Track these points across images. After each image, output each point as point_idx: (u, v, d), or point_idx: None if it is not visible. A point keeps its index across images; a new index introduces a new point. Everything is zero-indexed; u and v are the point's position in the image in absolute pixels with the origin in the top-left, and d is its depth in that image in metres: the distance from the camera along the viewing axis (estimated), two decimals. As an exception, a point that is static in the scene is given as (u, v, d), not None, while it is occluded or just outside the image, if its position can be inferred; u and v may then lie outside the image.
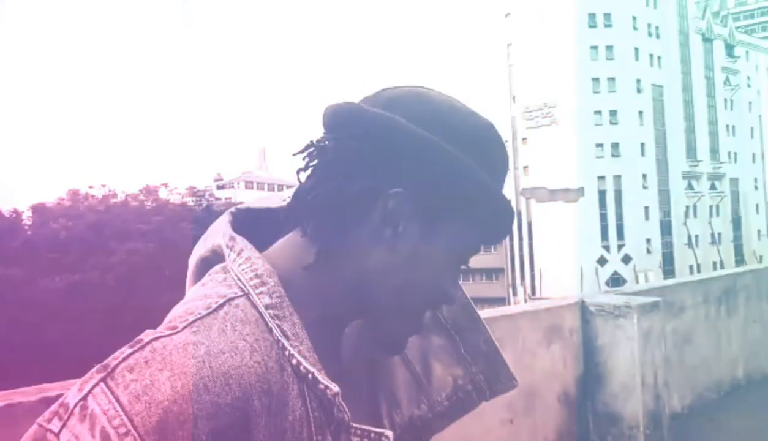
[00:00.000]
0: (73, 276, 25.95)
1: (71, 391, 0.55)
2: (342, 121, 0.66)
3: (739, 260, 55.09)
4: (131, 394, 0.52)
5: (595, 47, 51.99)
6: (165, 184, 36.37)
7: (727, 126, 61.53)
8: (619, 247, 51.17)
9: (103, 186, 35.08)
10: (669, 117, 55.01)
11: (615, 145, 51.69)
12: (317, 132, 0.69)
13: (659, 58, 55.01)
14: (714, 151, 59.80)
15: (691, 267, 51.54)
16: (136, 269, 26.43)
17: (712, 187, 59.25)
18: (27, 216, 30.90)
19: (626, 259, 50.37)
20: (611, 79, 51.89)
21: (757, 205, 63.57)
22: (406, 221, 0.65)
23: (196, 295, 0.61)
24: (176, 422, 0.51)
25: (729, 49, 62.59)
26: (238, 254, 0.64)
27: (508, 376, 0.82)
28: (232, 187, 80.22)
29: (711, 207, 58.50)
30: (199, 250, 0.73)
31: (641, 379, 3.73)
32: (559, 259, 48.31)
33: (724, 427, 4.51)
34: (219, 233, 0.69)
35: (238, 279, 0.62)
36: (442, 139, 0.64)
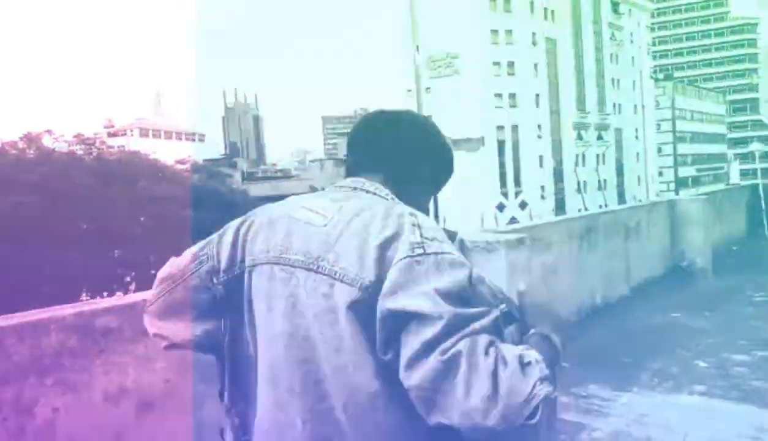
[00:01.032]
0: (-52, 232, 23.75)
1: (405, 231, 0.98)
2: (401, 122, 1.24)
3: (622, 204, 59.39)
4: (427, 222, 1.03)
5: (493, -1, 53.02)
6: (49, 131, 33.70)
7: (613, 79, 64.48)
8: (517, 193, 53.53)
9: (-23, 134, 32.08)
10: (561, 70, 57.44)
11: (512, 96, 53.40)
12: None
13: (552, 12, 56.69)
14: (601, 103, 62.71)
15: (579, 211, 54.87)
16: (23, 223, 24.60)
17: (599, 137, 62.25)
18: None
19: (523, 205, 52.83)
20: (509, 32, 53.07)
21: (637, 153, 67.85)
22: (428, 179, 1.25)
23: (375, 203, 1.09)
24: (442, 241, 1.00)
25: (615, 5, 65.60)
26: (364, 183, 1.17)
27: None
28: (125, 134, 75.03)
29: (598, 155, 61.66)
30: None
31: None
32: (461, 205, 50.16)
33: (582, 342, 5.09)
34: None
35: (386, 197, 1.14)
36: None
